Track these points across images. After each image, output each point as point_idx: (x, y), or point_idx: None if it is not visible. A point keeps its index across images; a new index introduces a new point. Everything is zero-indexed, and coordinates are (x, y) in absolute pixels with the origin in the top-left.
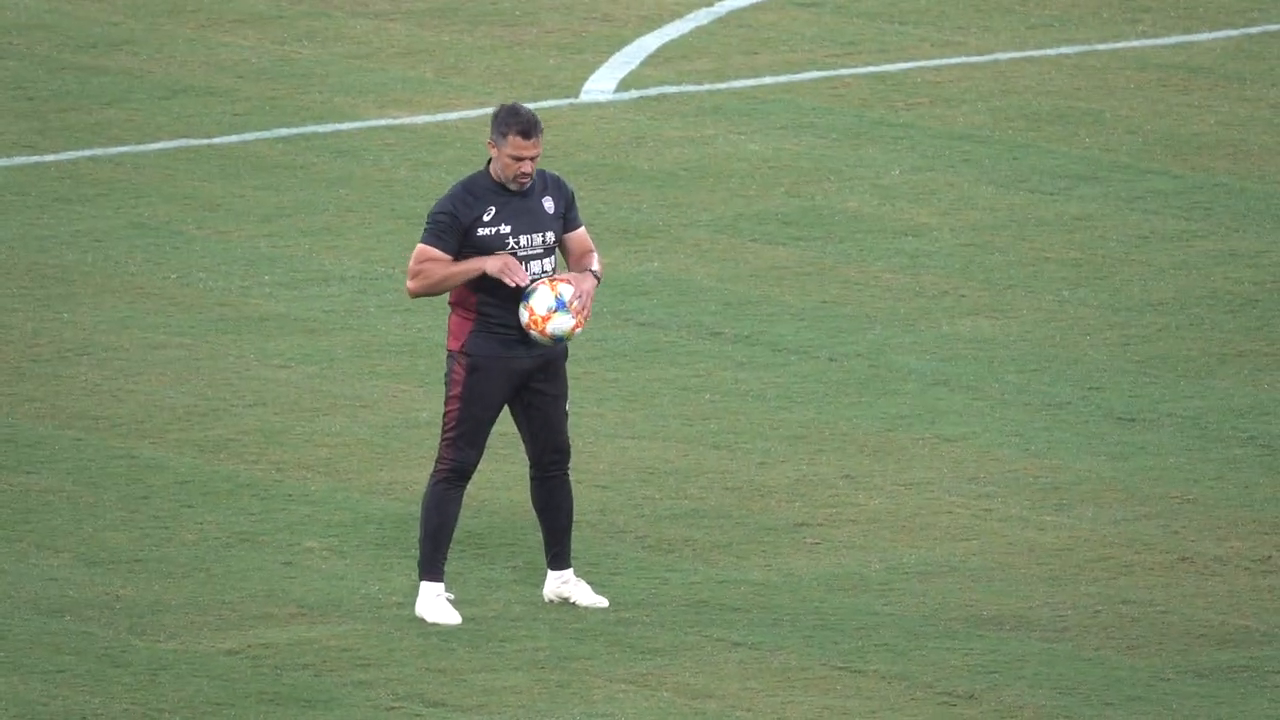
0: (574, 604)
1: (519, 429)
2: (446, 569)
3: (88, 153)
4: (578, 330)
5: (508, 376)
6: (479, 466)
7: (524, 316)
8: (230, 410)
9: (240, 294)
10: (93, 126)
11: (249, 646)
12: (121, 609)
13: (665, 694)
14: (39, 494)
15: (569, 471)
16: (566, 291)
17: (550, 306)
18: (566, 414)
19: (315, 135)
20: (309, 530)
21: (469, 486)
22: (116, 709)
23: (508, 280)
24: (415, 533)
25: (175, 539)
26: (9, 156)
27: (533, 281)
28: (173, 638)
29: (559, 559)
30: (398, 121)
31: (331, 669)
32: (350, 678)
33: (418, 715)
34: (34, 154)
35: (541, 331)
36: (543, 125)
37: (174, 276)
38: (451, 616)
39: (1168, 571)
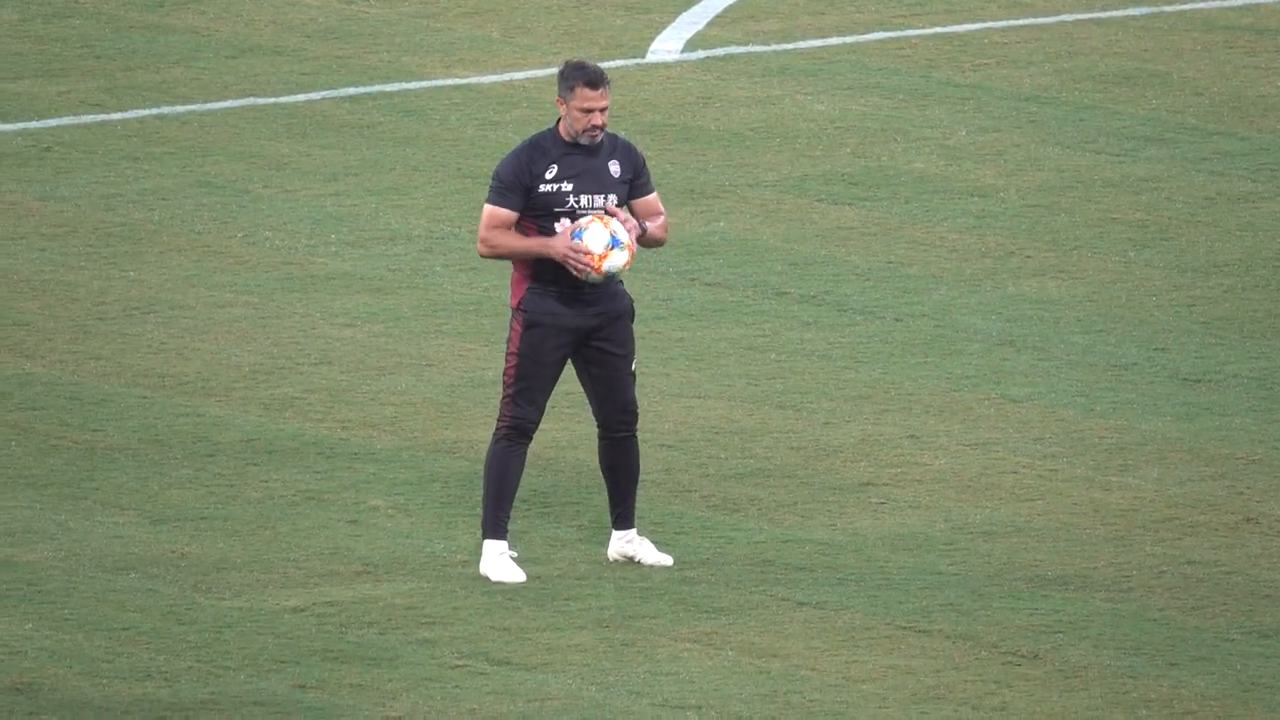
0: (639, 562)
1: (585, 389)
2: (511, 527)
3: (155, 111)
4: (627, 266)
5: (564, 334)
6: (542, 425)
7: None
8: (296, 369)
9: (306, 252)
10: (160, 85)
11: (314, 604)
12: (186, 566)
13: (730, 653)
14: (105, 451)
15: (636, 433)
16: (619, 229)
17: (607, 244)
18: (633, 375)
19: (382, 94)
20: (374, 489)
21: (533, 445)
22: (181, 666)
23: (572, 271)
24: (480, 491)
25: (240, 497)
26: (77, 115)
27: (583, 218)
28: (237, 595)
29: (624, 518)
30: (465, 81)
31: (396, 626)
32: (415, 635)
33: (482, 673)
34: (101, 112)
35: (597, 269)
36: (609, 79)
37: (240, 235)
38: (516, 574)
39: (1233, 532)
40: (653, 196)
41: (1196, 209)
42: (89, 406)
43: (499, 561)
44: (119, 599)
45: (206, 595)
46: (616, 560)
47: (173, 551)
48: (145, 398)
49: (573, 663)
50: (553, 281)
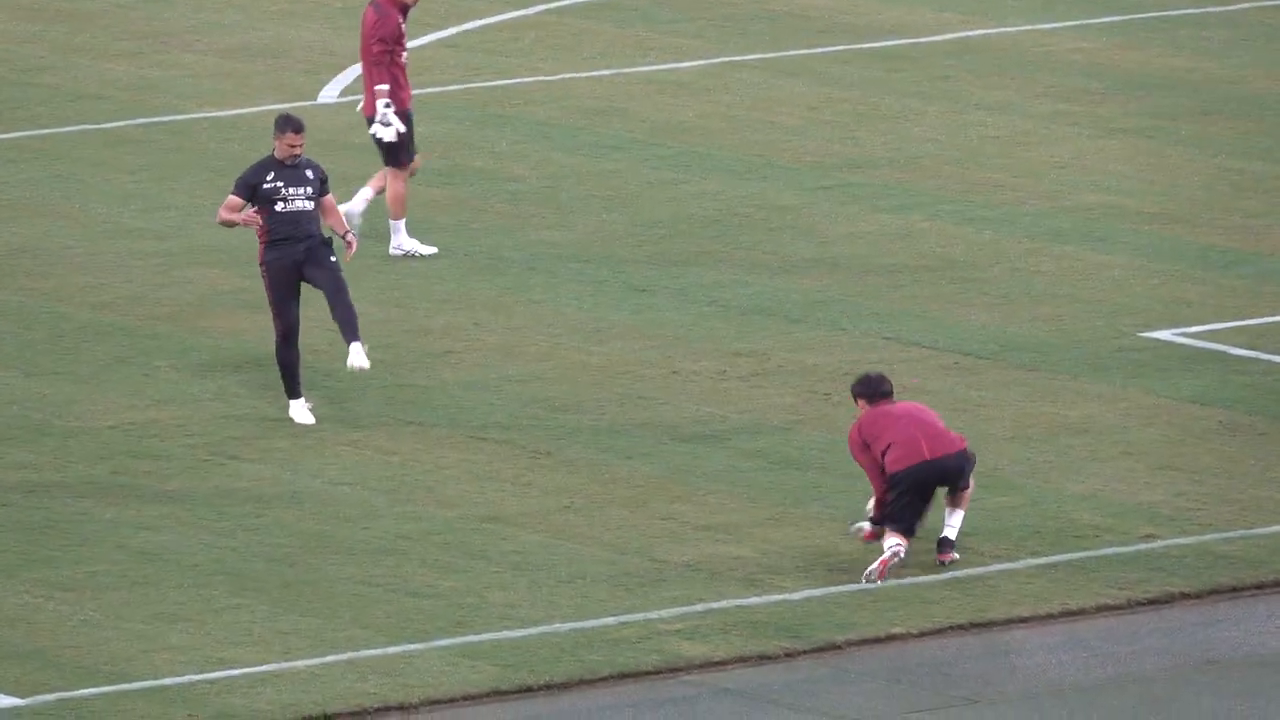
0: (354, 368)
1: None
2: (304, 392)
3: None
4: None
5: (289, 268)
6: (300, 330)
7: None
8: None
9: None
10: None
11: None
12: None
13: (369, 451)
14: None
15: (350, 295)
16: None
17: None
18: (342, 275)
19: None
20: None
21: (301, 340)
22: None
23: (251, 224)
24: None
25: None
26: None
27: (299, 213)
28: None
29: (351, 335)
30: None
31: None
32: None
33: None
34: None
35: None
36: (304, 124)
37: None
38: (308, 418)
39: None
40: (330, 197)
41: None
42: None
43: (298, 410)
44: None
45: None
46: (355, 367)
47: None
48: None
49: (287, 456)
50: (277, 238)
